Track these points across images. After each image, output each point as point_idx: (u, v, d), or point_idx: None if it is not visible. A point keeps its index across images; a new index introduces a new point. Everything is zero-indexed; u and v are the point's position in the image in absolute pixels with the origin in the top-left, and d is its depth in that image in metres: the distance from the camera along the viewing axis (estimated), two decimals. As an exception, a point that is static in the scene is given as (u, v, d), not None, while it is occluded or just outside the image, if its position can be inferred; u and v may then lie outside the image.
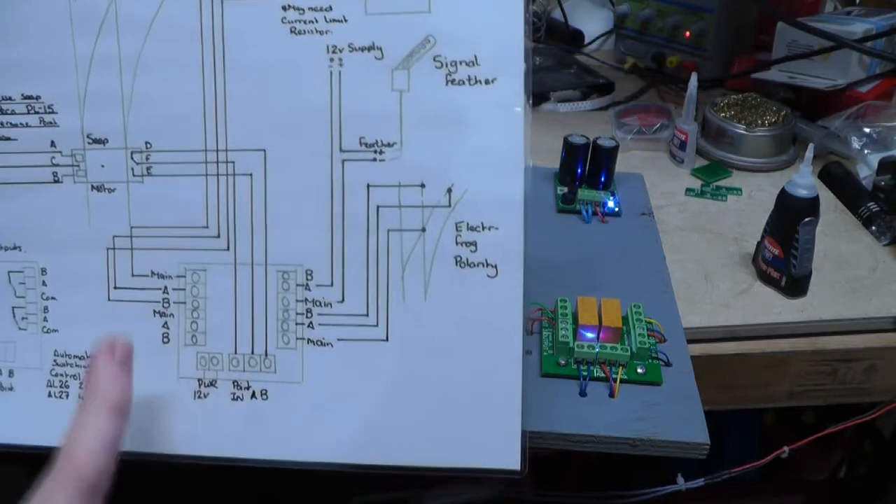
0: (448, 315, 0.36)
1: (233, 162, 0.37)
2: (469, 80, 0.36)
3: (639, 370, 0.42)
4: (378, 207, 0.36)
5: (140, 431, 0.37)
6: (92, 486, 0.30)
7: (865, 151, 0.68)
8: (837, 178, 0.66)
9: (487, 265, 0.36)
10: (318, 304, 0.37)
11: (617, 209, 0.58)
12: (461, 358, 0.36)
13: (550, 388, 0.42)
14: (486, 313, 0.36)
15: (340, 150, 0.36)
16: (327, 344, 0.37)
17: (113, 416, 0.32)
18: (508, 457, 0.35)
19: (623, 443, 0.39)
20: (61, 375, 0.39)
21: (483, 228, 0.36)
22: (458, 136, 0.36)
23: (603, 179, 0.59)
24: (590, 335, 0.43)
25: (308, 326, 0.37)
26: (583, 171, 0.59)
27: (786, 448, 0.48)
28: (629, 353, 0.42)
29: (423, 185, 0.36)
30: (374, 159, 0.36)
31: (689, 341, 0.46)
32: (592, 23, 1.02)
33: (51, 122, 0.38)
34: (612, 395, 0.41)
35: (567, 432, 0.39)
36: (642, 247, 0.54)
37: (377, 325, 0.37)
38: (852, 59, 0.72)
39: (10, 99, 0.38)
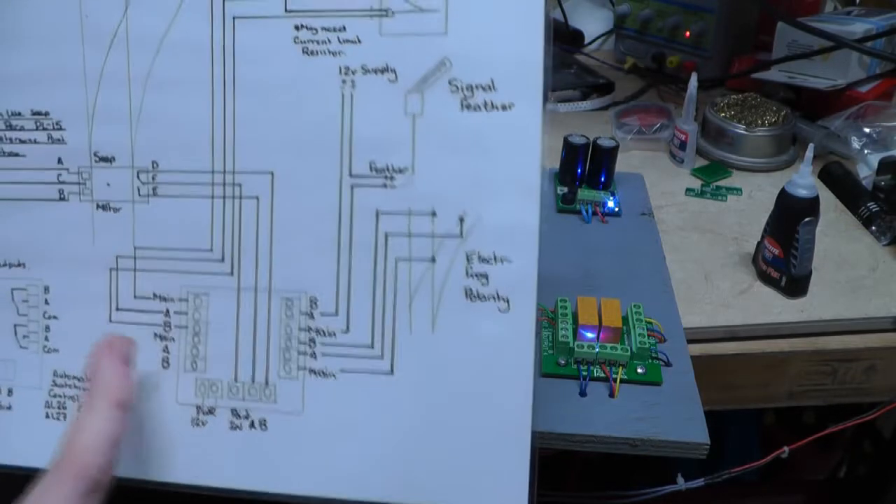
0: (456, 349, 0.35)
1: (240, 184, 0.36)
2: (485, 105, 0.34)
3: (639, 370, 0.42)
4: (387, 235, 0.35)
5: (136, 457, 0.36)
6: (93, 484, 0.30)
7: (865, 151, 0.68)
8: (837, 178, 0.66)
9: (499, 298, 0.34)
10: (321, 333, 0.36)
11: (617, 209, 0.58)
12: (468, 394, 0.35)
13: (550, 388, 0.42)
14: (496, 349, 0.34)
15: (350, 174, 0.35)
16: (330, 375, 0.36)
17: (115, 412, 0.32)
18: (515, 501, 0.34)
19: (623, 443, 0.39)
20: (59, 396, 0.38)
21: (495, 260, 0.34)
22: (472, 164, 0.34)
23: (603, 179, 0.59)
24: (590, 335, 0.43)
25: (311, 356, 0.36)
26: (583, 171, 0.59)
27: (786, 448, 0.49)
28: (629, 353, 0.42)
29: (434, 214, 0.35)
30: (385, 185, 0.35)
31: (689, 341, 0.46)
32: (592, 23, 1.02)
33: (59, 139, 0.38)
34: (612, 395, 0.41)
35: (567, 432, 0.39)
36: (642, 247, 0.54)
37: (382, 358, 0.35)
38: (852, 59, 0.72)
39: (19, 114, 0.38)
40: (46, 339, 0.38)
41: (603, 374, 0.42)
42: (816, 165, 0.65)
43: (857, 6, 0.86)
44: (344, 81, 0.35)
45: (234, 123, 0.36)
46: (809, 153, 0.50)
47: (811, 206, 0.50)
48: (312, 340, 0.36)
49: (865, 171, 0.67)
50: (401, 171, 0.35)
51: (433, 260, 0.35)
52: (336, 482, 0.35)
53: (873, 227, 0.60)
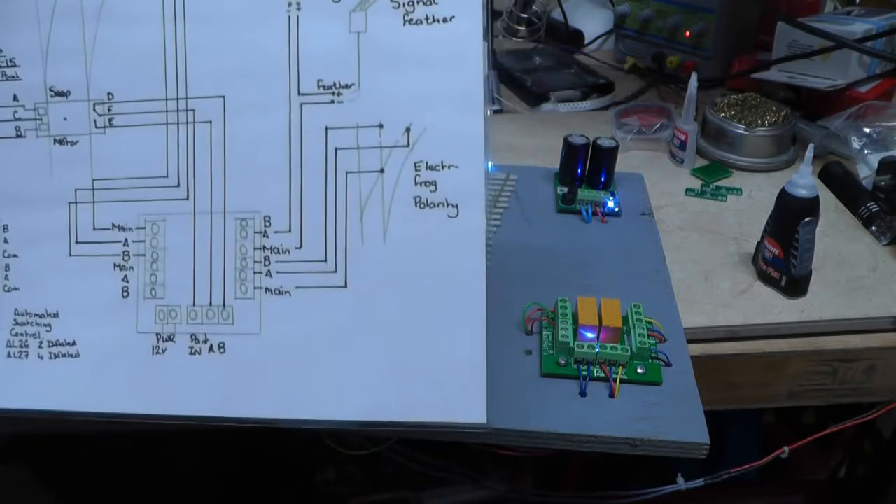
0: (408, 258, 0.35)
1: (193, 110, 0.37)
2: (427, 19, 0.35)
3: (639, 370, 0.42)
4: (336, 150, 0.36)
5: (99, 390, 0.37)
6: None
7: (865, 151, 0.68)
8: (837, 178, 0.66)
9: (448, 205, 0.35)
10: (276, 251, 0.37)
11: (617, 209, 0.58)
12: (422, 304, 0.35)
13: (550, 388, 0.42)
14: (447, 255, 0.35)
15: (299, 93, 0.36)
16: (285, 292, 0.36)
17: None
18: (474, 410, 0.34)
19: (623, 443, 0.39)
20: (21, 335, 0.38)
21: (443, 167, 0.35)
22: (416, 76, 0.35)
23: (603, 179, 0.59)
24: (590, 335, 0.43)
25: (266, 275, 0.36)
26: (583, 171, 0.59)
27: (786, 448, 0.48)
28: (629, 353, 0.42)
29: (381, 126, 0.36)
30: (333, 101, 0.36)
31: (689, 341, 0.46)
32: (592, 23, 1.02)
33: (13, 76, 0.38)
34: (612, 395, 0.41)
35: (567, 432, 0.39)
36: (642, 247, 0.54)
37: (336, 272, 0.36)
38: (852, 59, 0.72)
39: None
40: (6, 278, 0.39)
41: (603, 374, 0.42)
42: (816, 165, 0.64)
43: (857, 6, 0.86)
44: (290, 4, 0.36)
45: (185, 52, 0.37)
46: (809, 153, 0.50)
47: (811, 206, 0.50)
48: (267, 259, 0.36)
49: (865, 171, 0.67)
50: (347, 86, 0.36)
51: (382, 171, 0.36)
52: (295, 403, 0.35)
53: (873, 227, 0.60)
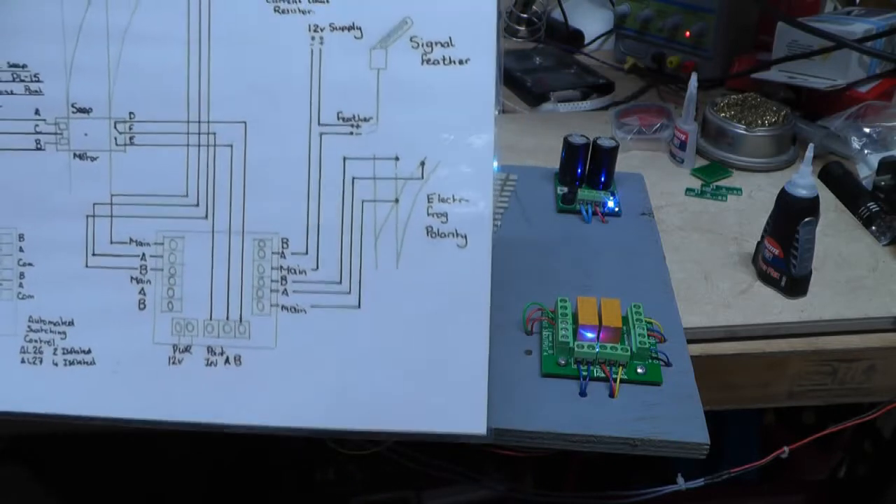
0: (419, 283, 0.37)
1: (214, 133, 0.38)
2: (444, 60, 0.37)
3: (639, 370, 0.42)
4: (353, 179, 0.38)
5: (114, 396, 0.37)
6: None
7: (865, 151, 0.68)
8: (837, 178, 0.66)
9: (457, 235, 0.37)
10: (292, 271, 0.38)
11: (617, 209, 0.58)
12: (430, 325, 0.37)
13: (550, 388, 0.42)
14: (455, 282, 0.37)
15: (319, 123, 0.38)
16: (301, 310, 0.38)
17: None
18: (475, 422, 0.36)
19: (623, 443, 0.39)
20: (35, 342, 0.39)
21: (454, 200, 0.37)
22: (431, 113, 0.37)
23: (603, 179, 0.59)
24: (590, 335, 0.43)
25: (282, 293, 0.38)
26: (583, 171, 0.59)
27: (786, 448, 0.48)
28: (629, 353, 0.42)
29: (397, 159, 0.38)
30: (351, 133, 0.38)
31: (689, 341, 0.46)
32: (592, 23, 1.02)
33: (36, 91, 0.39)
34: (612, 395, 0.41)
35: (567, 432, 0.39)
36: (642, 247, 0.54)
37: (350, 293, 0.38)
38: (852, 59, 0.72)
39: None
40: (21, 285, 0.39)
41: (603, 374, 0.42)
42: (816, 165, 0.64)
43: (857, 6, 0.86)
44: (313, 38, 0.38)
45: (209, 76, 0.38)
46: (809, 153, 0.50)
47: (811, 206, 0.50)
48: (284, 278, 0.38)
49: (865, 171, 0.67)
50: (366, 119, 0.38)
51: (396, 201, 0.38)
52: (307, 413, 0.37)
53: (873, 227, 0.60)
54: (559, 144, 0.60)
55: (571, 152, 0.59)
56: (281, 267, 0.38)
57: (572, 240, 0.55)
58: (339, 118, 0.38)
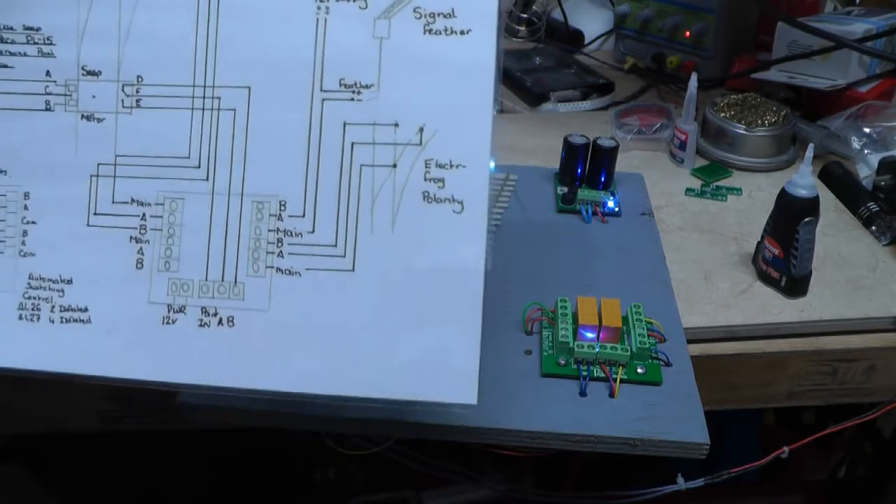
0: (414, 248, 0.37)
1: (219, 97, 0.39)
2: (445, 30, 0.38)
3: (639, 370, 0.42)
4: (353, 144, 0.38)
5: (108, 355, 0.38)
6: None
7: (865, 151, 0.68)
8: (837, 178, 0.66)
9: (454, 201, 0.37)
10: (289, 233, 0.38)
11: (617, 209, 0.58)
12: (424, 291, 0.37)
13: (550, 388, 0.42)
14: (450, 248, 0.37)
15: (321, 90, 0.38)
16: (295, 273, 0.38)
17: None
18: (465, 391, 0.36)
19: (623, 443, 0.39)
20: (34, 298, 0.39)
21: (451, 166, 0.38)
22: (432, 81, 0.38)
23: (603, 179, 0.59)
24: (590, 335, 0.43)
25: (278, 255, 0.38)
26: (583, 171, 0.59)
27: (786, 448, 0.48)
28: (629, 353, 0.42)
29: (396, 125, 0.38)
30: (352, 99, 0.38)
31: (689, 341, 0.46)
32: (592, 23, 1.02)
33: (48, 53, 0.40)
34: (612, 395, 0.41)
35: (567, 432, 0.39)
36: (642, 247, 0.54)
37: (345, 256, 0.38)
38: (852, 59, 0.72)
39: (10, 28, 0.40)
40: (23, 243, 0.40)
41: (603, 374, 0.42)
42: (816, 165, 0.65)
43: (857, 6, 0.86)
44: (318, 8, 0.39)
45: (216, 43, 0.39)
46: (809, 153, 0.50)
47: (811, 206, 0.50)
48: (280, 240, 0.38)
49: (865, 171, 0.67)
50: (367, 87, 0.38)
51: (394, 166, 0.38)
52: (298, 377, 0.37)
53: (873, 227, 0.60)
54: (559, 144, 0.60)
55: (571, 152, 0.59)
56: (278, 229, 0.38)
57: (572, 240, 0.55)
58: (341, 85, 0.38)
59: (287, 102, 0.39)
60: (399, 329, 0.37)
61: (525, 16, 1.01)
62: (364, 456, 0.45)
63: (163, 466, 0.80)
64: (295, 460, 0.88)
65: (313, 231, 0.38)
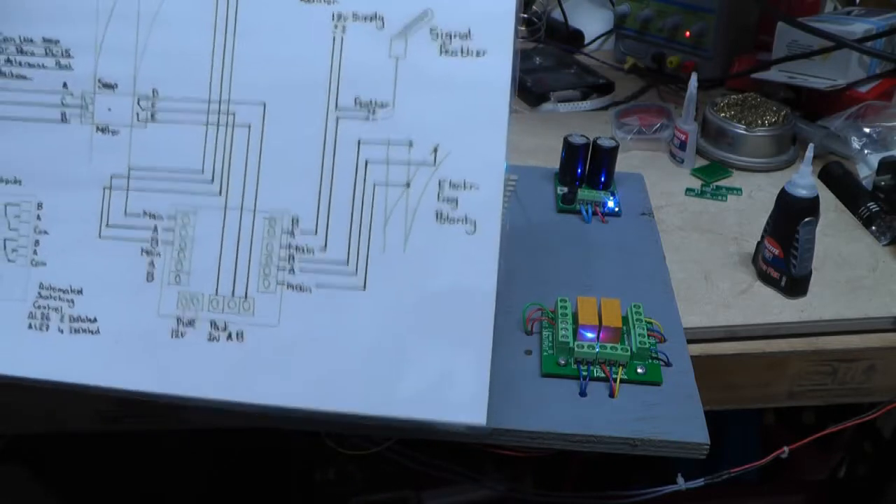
0: (425, 268, 0.37)
1: (233, 113, 0.39)
2: (462, 51, 0.38)
3: (639, 370, 0.42)
4: (367, 162, 0.38)
5: (115, 366, 0.38)
6: None
7: (865, 151, 0.68)
8: (837, 178, 0.66)
9: (467, 221, 0.37)
10: (300, 250, 0.38)
11: (617, 209, 0.58)
12: (435, 311, 0.37)
13: (550, 388, 0.42)
14: (462, 268, 0.37)
15: (336, 107, 0.39)
16: (306, 289, 0.38)
17: None
18: (475, 412, 0.36)
19: (623, 443, 0.39)
20: (43, 308, 0.39)
21: (464, 187, 0.38)
22: (447, 102, 0.38)
23: (603, 179, 0.59)
24: (590, 335, 0.43)
25: (289, 272, 0.38)
26: (583, 171, 0.59)
27: (786, 448, 0.48)
28: (629, 353, 0.42)
29: (410, 144, 0.38)
30: (367, 118, 0.38)
31: (689, 341, 0.46)
32: (592, 23, 1.02)
33: (66, 66, 0.41)
34: (612, 395, 0.41)
35: (567, 432, 0.39)
36: (642, 247, 0.54)
37: (356, 274, 0.38)
38: (852, 59, 0.72)
39: (30, 41, 0.41)
40: (35, 252, 0.40)
41: (603, 374, 0.42)
42: (816, 165, 0.64)
43: (857, 6, 0.86)
44: (336, 27, 0.39)
45: (232, 59, 0.39)
46: (809, 153, 0.50)
47: (811, 206, 0.50)
48: (292, 257, 0.38)
49: (865, 171, 0.67)
50: (382, 105, 0.38)
51: (408, 185, 0.38)
52: (306, 393, 0.37)
53: (873, 227, 0.60)
54: (559, 144, 0.60)
55: (571, 152, 0.59)
56: (290, 245, 0.38)
57: (572, 240, 0.55)
58: (356, 103, 0.39)
59: (302, 119, 0.39)
60: (409, 349, 0.37)
61: (525, 16, 1.01)
62: (364, 456, 0.45)
63: (163, 466, 0.80)
64: (295, 460, 0.88)
65: (325, 248, 0.38)
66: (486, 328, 0.37)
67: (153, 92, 0.40)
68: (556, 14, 1.01)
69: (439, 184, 0.38)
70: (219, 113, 0.39)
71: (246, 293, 0.38)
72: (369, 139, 0.38)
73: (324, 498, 0.89)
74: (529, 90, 0.82)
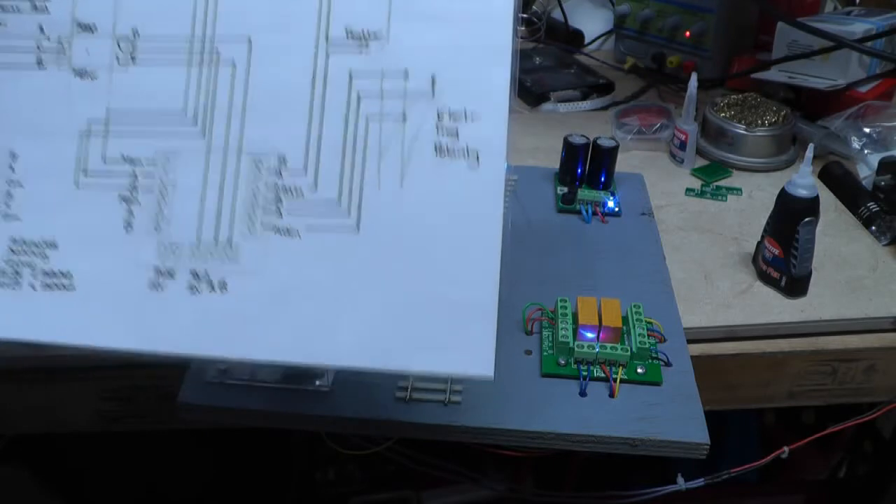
0: (425, 205, 0.35)
1: (217, 50, 0.37)
2: None
3: (639, 370, 0.42)
4: (359, 95, 0.36)
5: (91, 323, 0.36)
6: None
7: (865, 151, 0.68)
8: (837, 178, 0.66)
9: (468, 155, 0.35)
10: (288, 191, 0.36)
11: (617, 209, 0.58)
12: (436, 253, 0.34)
13: (550, 388, 0.42)
14: (465, 205, 0.34)
15: (326, 39, 0.36)
16: (294, 234, 0.36)
17: None
18: (481, 363, 0.33)
19: (623, 443, 0.39)
20: (14, 263, 0.37)
21: (465, 117, 0.35)
22: (446, 30, 0.36)
23: (603, 179, 0.59)
24: (590, 335, 0.43)
25: (276, 214, 0.36)
26: (583, 171, 0.59)
27: (786, 448, 0.48)
28: (629, 353, 0.42)
29: (406, 74, 0.36)
30: (360, 49, 0.36)
31: (689, 341, 0.46)
32: (592, 23, 1.02)
33: (42, 9, 0.38)
34: (612, 395, 0.41)
35: (567, 432, 0.39)
36: (642, 247, 0.54)
37: (349, 215, 0.35)
38: (852, 59, 0.72)
39: None
40: (8, 206, 0.37)
41: (603, 374, 0.42)
42: (816, 165, 0.64)
43: (857, 6, 0.86)
44: None
45: None
46: (809, 153, 0.50)
47: (811, 206, 0.50)
48: (279, 198, 0.36)
49: (865, 171, 0.67)
50: (376, 36, 0.36)
51: (404, 118, 0.35)
52: (298, 347, 0.34)
53: (873, 227, 0.60)
54: (559, 144, 0.60)
55: (571, 152, 0.59)
56: (277, 186, 0.36)
57: (572, 240, 0.55)
58: (347, 34, 0.36)
59: (290, 54, 0.36)
60: (408, 294, 0.34)
61: (525, 16, 1.01)
62: (364, 456, 0.45)
63: (163, 466, 0.80)
64: (295, 460, 0.88)
65: (315, 188, 0.36)
66: (491, 273, 0.34)
67: (133, 32, 0.37)
68: (556, 14, 1.01)
69: (438, 114, 0.35)
70: (203, 52, 0.37)
71: (230, 239, 0.36)
72: (362, 70, 0.36)
73: (324, 498, 0.89)
74: (529, 90, 0.82)
